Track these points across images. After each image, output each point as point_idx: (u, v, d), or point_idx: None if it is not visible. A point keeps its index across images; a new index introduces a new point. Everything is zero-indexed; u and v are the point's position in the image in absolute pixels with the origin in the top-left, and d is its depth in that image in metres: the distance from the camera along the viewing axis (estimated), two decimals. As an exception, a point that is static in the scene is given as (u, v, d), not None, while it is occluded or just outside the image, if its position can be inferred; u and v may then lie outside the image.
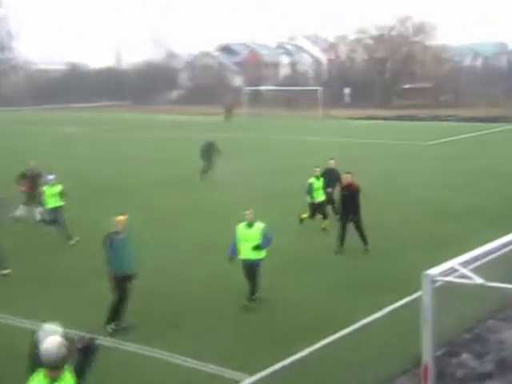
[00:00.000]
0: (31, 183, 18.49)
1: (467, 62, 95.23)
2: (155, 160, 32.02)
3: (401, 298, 11.80)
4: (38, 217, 18.03)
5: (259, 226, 11.85)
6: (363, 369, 9.28)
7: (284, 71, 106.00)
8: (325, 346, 9.98)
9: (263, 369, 9.18)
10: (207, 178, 25.31)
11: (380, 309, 11.41)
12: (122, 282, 10.75)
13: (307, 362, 9.45)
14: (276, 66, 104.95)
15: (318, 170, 17.25)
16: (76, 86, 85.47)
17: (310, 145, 37.70)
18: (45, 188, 16.63)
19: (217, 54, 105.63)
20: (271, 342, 10.26)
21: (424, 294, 7.04)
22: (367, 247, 15.24)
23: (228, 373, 9.17)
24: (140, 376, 9.19)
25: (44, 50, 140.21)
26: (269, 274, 12.44)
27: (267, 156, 32.88)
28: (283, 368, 9.27)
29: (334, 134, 44.22)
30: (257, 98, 72.15)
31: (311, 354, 9.69)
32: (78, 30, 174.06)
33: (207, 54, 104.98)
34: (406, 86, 79.94)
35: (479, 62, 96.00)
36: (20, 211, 18.55)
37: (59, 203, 16.42)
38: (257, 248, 11.71)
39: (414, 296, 10.72)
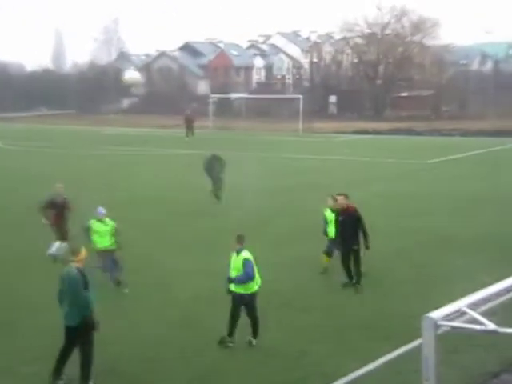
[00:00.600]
0: (59, 214, 17.51)
1: (475, 65, 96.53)
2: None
3: (397, 347, 11.74)
4: (52, 250, 17.45)
5: (242, 255, 11.95)
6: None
7: (258, 76, 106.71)
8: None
9: None
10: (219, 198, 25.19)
11: (372, 360, 11.34)
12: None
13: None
14: (248, 69, 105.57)
15: (329, 199, 16.78)
16: (6, 91, 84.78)
17: (289, 164, 37.81)
18: (92, 223, 15.37)
19: (177, 54, 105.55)
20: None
21: (424, 341, 6.96)
22: (359, 286, 15.21)
23: None
24: None
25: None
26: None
27: (234, 176, 32.78)
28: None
29: (316, 152, 44.45)
30: (225, 108, 72.33)
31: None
32: (8, 25, 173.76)
33: (166, 55, 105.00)
34: (402, 95, 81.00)
35: (489, 66, 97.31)
36: (55, 248, 17.53)
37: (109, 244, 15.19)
38: (231, 281, 11.95)
39: (412, 345, 10.66)
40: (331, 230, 16.21)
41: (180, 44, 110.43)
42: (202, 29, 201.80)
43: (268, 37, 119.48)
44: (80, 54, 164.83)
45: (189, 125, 53.88)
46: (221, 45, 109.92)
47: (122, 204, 24.25)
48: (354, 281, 15.31)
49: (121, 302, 14.44)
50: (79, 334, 10.52)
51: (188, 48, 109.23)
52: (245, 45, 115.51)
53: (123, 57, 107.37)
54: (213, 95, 71.87)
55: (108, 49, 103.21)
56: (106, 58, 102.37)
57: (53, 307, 11.20)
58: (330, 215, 16.30)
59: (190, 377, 11.04)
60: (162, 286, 15.69)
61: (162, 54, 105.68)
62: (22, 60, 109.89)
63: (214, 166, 25.71)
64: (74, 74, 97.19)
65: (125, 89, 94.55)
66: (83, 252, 10.80)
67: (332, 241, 16.29)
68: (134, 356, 11.73)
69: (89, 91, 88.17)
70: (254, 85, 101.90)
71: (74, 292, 10.42)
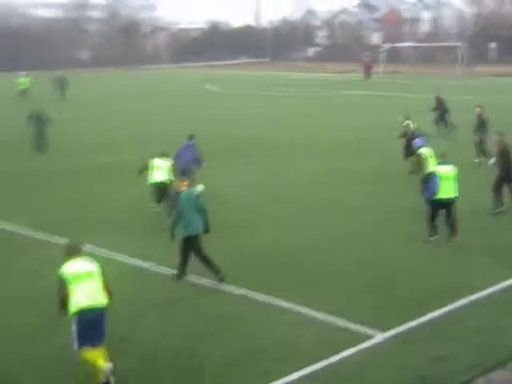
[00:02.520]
0: None
1: None
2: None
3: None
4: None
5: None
6: (499, 336, 8.88)
7: (424, 27, 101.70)
8: (455, 310, 9.66)
9: (392, 327, 9.08)
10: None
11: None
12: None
13: (436, 325, 9.22)
14: (416, 21, 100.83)
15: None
16: (216, 45, 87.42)
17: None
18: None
19: (356, 10, 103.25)
20: (399, 303, 10.06)
21: None
22: None
23: (358, 328, 9.15)
24: (270, 327, 9.38)
25: (185, 9, 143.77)
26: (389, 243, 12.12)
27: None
28: (413, 328, 9.14)
29: (474, 92, 41.90)
30: (394, 56, 69.96)
31: (441, 316, 9.44)
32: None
33: (346, 11, 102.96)
34: None
35: None
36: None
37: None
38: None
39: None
40: None
41: (358, 1, 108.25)
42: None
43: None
44: (275, 12, 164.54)
45: (367, 70, 54.39)
46: (392, 0, 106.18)
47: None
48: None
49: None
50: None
51: (365, 4, 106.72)
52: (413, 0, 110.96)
53: (310, 13, 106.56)
54: (384, 45, 69.57)
55: (298, 6, 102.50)
56: (296, 14, 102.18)
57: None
58: None
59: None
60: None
61: (343, 10, 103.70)
62: (229, 19, 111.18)
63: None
64: (270, 28, 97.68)
65: (311, 40, 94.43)
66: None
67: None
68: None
69: (281, 43, 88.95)
70: (420, 35, 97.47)
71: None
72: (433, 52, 70.40)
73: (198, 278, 11.04)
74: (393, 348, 8.65)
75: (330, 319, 9.44)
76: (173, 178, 14.36)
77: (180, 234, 10.90)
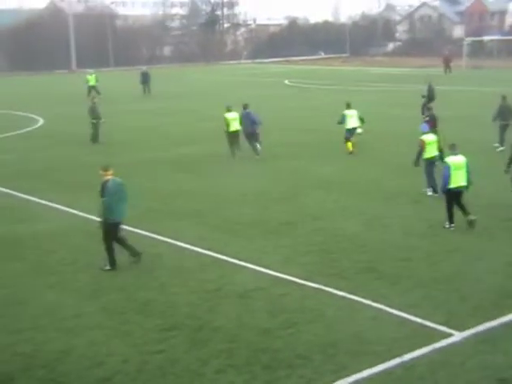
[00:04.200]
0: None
1: None
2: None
3: None
4: None
5: None
6: None
7: (511, 19, 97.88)
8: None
9: (470, 326, 8.86)
10: None
11: None
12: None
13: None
14: (502, 13, 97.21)
15: None
16: (295, 40, 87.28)
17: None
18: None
19: (437, 3, 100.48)
20: (475, 303, 9.80)
21: None
22: None
23: (434, 325, 8.97)
24: (345, 322, 9.33)
25: (264, 5, 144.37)
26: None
27: (477, 110, 30.80)
28: (493, 328, 8.90)
29: None
30: (478, 50, 67.82)
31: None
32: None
33: (426, 4, 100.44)
34: None
35: None
36: None
37: None
38: None
39: None
40: None
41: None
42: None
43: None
44: (354, 7, 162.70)
45: (447, 64, 53.48)
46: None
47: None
48: None
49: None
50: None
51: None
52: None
53: (390, 7, 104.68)
54: (467, 38, 67.52)
55: (378, 1, 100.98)
56: (375, 9, 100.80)
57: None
58: None
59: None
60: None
61: (424, 4, 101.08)
62: (307, 15, 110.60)
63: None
64: (349, 24, 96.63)
65: (390, 35, 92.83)
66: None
67: None
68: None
69: (360, 38, 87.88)
70: (506, 27, 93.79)
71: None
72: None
73: (274, 270, 11.14)
74: (471, 348, 8.44)
75: (406, 316, 9.30)
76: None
77: (107, 221, 11.27)
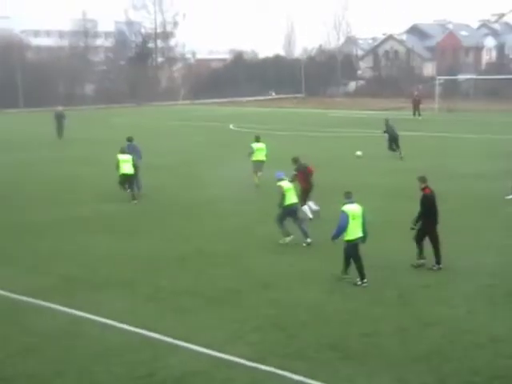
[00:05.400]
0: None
1: None
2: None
3: None
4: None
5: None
6: None
7: (488, 56, 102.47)
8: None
9: None
10: None
11: None
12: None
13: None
14: (478, 50, 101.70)
15: None
16: (242, 78, 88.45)
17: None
18: None
19: (404, 37, 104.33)
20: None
21: None
22: None
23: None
24: None
25: (205, 38, 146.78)
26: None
27: (449, 159, 31.81)
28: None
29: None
30: (452, 90, 70.29)
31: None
32: (239, 17, 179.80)
33: (392, 38, 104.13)
34: None
35: None
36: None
37: None
38: None
39: None
40: None
41: (407, 27, 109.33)
42: (430, 10, 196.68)
43: (501, 15, 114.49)
44: (309, 40, 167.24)
45: (416, 106, 55.39)
46: (449, 26, 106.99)
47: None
48: None
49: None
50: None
51: (415, 30, 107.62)
52: (475, 25, 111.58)
53: (351, 41, 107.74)
54: (439, 77, 69.99)
55: (336, 34, 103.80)
56: (334, 42, 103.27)
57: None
58: None
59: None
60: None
61: (389, 37, 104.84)
62: (255, 48, 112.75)
63: None
64: (303, 59, 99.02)
65: (351, 72, 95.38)
66: None
67: None
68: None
69: (317, 75, 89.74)
70: (483, 65, 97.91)
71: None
72: (498, 85, 70.49)
73: (216, 350, 11.05)
74: None
75: None
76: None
77: None
